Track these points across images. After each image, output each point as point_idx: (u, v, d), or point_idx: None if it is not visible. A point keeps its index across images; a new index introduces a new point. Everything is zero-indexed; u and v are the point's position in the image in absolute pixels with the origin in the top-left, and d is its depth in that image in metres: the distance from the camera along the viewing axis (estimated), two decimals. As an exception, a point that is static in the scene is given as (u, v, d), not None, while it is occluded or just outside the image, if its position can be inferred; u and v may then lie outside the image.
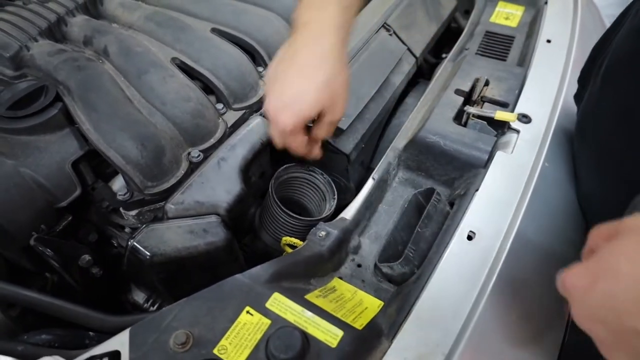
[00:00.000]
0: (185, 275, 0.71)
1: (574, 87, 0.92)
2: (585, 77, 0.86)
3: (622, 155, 0.70)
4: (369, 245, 0.76)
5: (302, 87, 0.67)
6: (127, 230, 0.79)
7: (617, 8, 0.89)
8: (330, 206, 0.82)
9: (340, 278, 0.71)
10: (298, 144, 0.73)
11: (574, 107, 0.90)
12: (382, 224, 0.79)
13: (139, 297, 0.84)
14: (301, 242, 0.71)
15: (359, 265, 0.73)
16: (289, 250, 0.75)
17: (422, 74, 1.26)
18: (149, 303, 0.83)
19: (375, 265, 0.72)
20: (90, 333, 0.64)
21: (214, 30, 0.92)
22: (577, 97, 0.89)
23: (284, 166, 0.83)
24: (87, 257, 0.74)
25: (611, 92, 0.73)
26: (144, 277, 0.75)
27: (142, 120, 0.75)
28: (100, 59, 0.84)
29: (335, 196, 0.83)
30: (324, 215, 0.81)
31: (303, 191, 0.88)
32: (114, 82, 0.79)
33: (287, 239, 0.77)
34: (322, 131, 0.74)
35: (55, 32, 0.87)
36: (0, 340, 0.61)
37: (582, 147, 0.82)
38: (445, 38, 1.30)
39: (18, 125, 0.72)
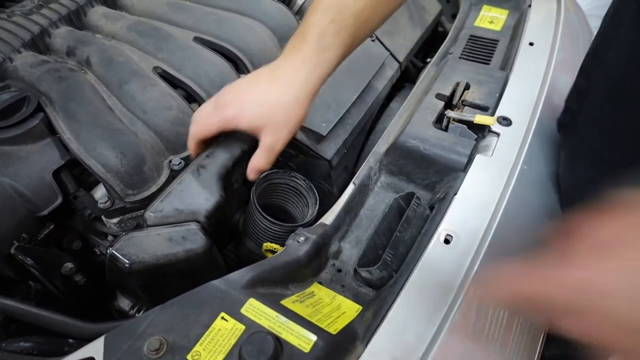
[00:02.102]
0: (166, 283, 0.72)
1: (555, 89, 0.92)
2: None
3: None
4: (350, 250, 0.76)
5: (245, 101, 0.70)
6: (109, 238, 0.80)
7: (602, 10, 0.89)
8: (312, 212, 0.83)
9: (320, 283, 0.72)
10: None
11: (554, 109, 0.90)
12: (363, 229, 0.79)
13: (124, 304, 0.84)
14: (281, 248, 0.72)
15: (339, 270, 0.74)
16: (270, 256, 0.76)
17: (409, 78, 1.27)
18: (134, 310, 0.84)
19: (355, 270, 0.72)
20: (70, 340, 0.65)
21: (196, 39, 0.93)
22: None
23: (266, 172, 0.83)
24: (69, 264, 0.74)
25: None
26: (126, 285, 0.75)
27: (123, 129, 0.76)
28: (82, 69, 0.85)
29: (317, 202, 0.83)
30: (305, 220, 0.81)
31: (286, 197, 0.89)
32: (96, 92, 0.79)
33: (268, 245, 0.77)
34: (257, 157, 0.74)
35: (38, 43, 0.88)
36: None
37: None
38: (433, 42, 1.30)
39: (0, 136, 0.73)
